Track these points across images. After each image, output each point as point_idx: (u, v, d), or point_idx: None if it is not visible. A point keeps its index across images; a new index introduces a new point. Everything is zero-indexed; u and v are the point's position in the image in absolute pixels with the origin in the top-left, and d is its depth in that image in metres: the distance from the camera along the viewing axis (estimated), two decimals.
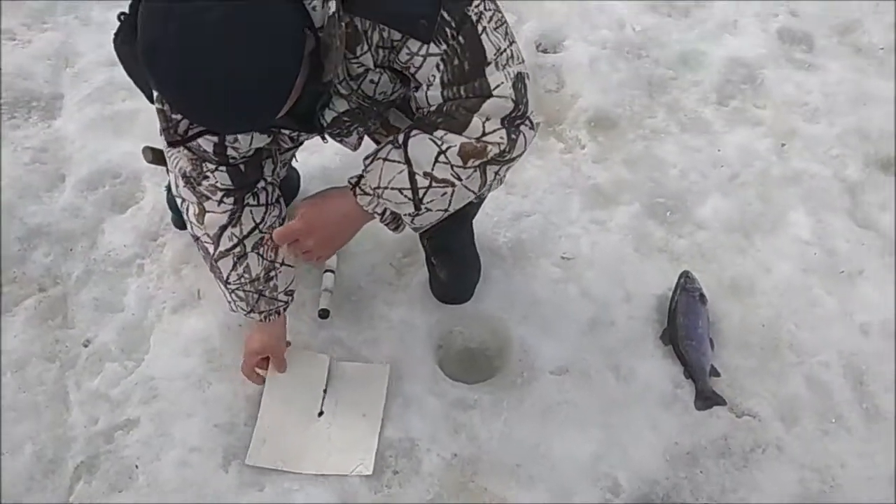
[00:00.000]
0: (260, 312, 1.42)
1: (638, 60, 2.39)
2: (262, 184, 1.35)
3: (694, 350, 1.72)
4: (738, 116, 2.27)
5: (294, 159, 1.67)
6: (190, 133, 1.16)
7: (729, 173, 2.12)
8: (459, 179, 1.10)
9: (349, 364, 1.60)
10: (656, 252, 1.96)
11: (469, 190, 1.14)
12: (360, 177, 1.18)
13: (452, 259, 1.76)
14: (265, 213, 1.36)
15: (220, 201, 1.29)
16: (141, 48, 0.89)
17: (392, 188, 1.12)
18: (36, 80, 2.15)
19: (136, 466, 1.46)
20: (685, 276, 1.84)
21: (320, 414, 1.54)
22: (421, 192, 1.11)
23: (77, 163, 1.98)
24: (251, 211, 1.33)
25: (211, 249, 1.34)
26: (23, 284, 1.73)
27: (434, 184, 1.10)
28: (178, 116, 1.16)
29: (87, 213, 1.87)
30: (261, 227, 1.35)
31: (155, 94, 1.20)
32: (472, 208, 1.71)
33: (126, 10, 1.22)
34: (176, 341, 1.63)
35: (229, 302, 1.42)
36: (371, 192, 1.16)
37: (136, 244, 1.82)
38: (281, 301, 1.44)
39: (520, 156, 1.14)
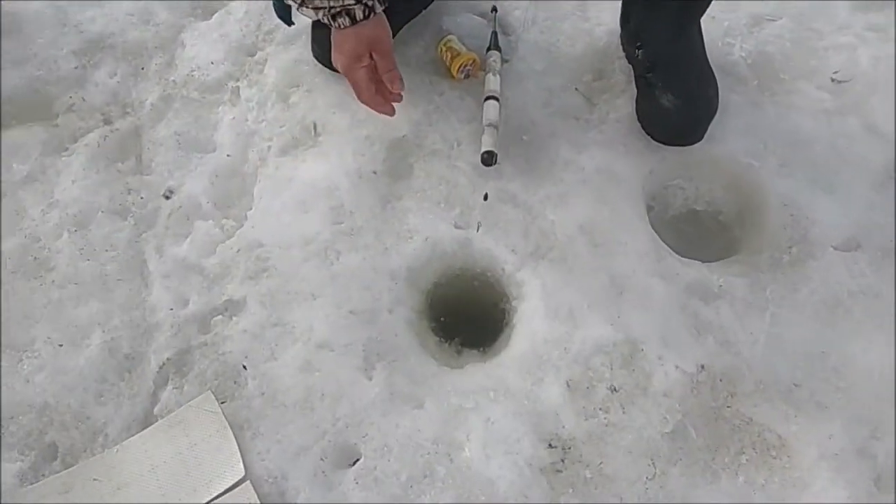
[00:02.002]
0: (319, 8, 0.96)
1: None
2: None
3: None
4: None
5: None
6: None
7: None
8: None
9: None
10: None
11: None
12: None
13: (680, 75, 1.19)
14: None
15: None
16: None
17: None
18: None
19: (244, 367, 1.02)
20: None
21: None
22: None
23: None
24: None
25: None
26: (83, 114, 1.27)
27: None
28: None
29: (161, 19, 1.37)
30: None
31: None
32: None
33: None
34: (288, 193, 1.15)
35: None
36: None
37: (228, 60, 1.32)
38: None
39: None
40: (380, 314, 1.07)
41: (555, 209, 1.16)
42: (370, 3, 0.97)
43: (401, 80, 1.05)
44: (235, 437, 0.96)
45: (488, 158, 1.16)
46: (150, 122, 1.26)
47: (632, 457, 0.97)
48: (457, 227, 1.14)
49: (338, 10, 0.96)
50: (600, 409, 1.00)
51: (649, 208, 1.21)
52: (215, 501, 0.91)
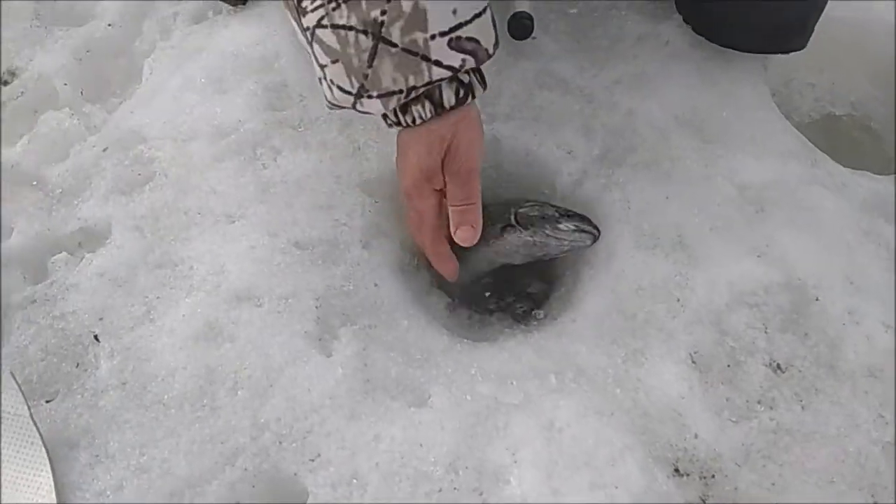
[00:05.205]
0: (374, 95, 0.52)
1: None
2: None
3: None
4: None
5: None
6: None
7: None
8: None
9: None
10: None
11: None
12: None
13: None
14: None
15: None
16: None
17: None
18: None
19: (96, 338, 0.56)
20: None
21: None
22: None
23: None
24: None
25: None
26: None
27: None
28: None
29: None
30: None
31: None
32: None
33: None
34: (196, 66, 0.72)
35: (320, 79, 0.53)
36: None
37: None
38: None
39: None
40: (347, 250, 0.61)
41: (631, 95, 0.72)
42: (468, 80, 0.54)
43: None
44: (55, 465, 0.49)
45: (520, 26, 0.73)
46: None
47: (834, 490, 0.50)
48: None
49: (420, 90, 0.51)
50: (759, 402, 0.53)
51: None
52: None
